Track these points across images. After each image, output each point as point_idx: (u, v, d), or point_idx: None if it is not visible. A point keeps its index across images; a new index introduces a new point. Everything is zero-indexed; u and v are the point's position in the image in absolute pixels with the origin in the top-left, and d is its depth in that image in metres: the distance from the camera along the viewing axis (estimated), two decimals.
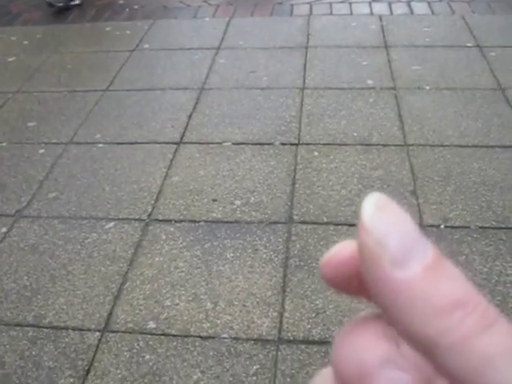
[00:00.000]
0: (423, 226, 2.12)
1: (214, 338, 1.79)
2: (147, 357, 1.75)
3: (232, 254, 2.08)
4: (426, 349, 0.21)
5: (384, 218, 0.22)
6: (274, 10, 4.14)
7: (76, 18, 4.22)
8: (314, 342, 1.76)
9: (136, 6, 4.37)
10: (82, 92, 3.20)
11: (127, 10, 4.33)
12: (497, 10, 3.94)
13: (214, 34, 3.80)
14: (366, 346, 0.24)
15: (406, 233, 0.21)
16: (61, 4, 4.30)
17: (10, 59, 3.64)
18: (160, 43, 3.72)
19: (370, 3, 4.15)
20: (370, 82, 3.11)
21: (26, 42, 3.87)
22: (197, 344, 1.78)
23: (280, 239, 2.13)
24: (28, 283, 2.03)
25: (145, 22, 4.06)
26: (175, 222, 2.24)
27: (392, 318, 0.22)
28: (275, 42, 3.61)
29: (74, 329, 1.85)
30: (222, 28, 3.87)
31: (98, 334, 1.83)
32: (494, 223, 2.15)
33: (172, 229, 2.21)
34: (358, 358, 0.24)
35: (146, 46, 3.70)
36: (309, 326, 1.80)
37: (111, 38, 3.86)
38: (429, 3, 4.10)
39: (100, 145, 2.73)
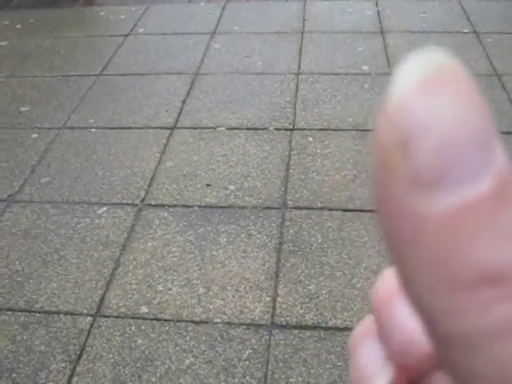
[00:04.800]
0: None
1: (206, 322, 1.79)
2: (139, 341, 1.74)
3: (225, 239, 2.07)
4: (433, 331, 0.14)
5: (429, 101, 0.13)
6: None
7: (70, 3, 4.18)
8: (306, 327, 1.75)
9: None
10: (76, 77, 3.17)
11: None
12: None
13: (208, 18, 3.77)
14: None
15: (456, 133, 0.13)
16: None
17: (3, 44, 3.61)
18: (154, 28, 3.68)
19: None
20: (365, 67, 3.09)
21: (18, 27, 3.83)
22: (189, 329, 1.77)
23: (274, 224, 2.12)
24: (20, 268, 2.01)
25: (139, 6, 4.02)
26: (168, 206, 2.23)
27: (399, 271, 0.15)
28: (270, 27, 3.58)
29: (65, 313, 1.84)
30: (217, 13, 3.84)
31: (90, 318, 1.82)
32: None
33: (165, 214, 2.20)
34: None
35: (141, 30, 3.67)
36: (302, 311, 1.80)
37: (105, 23, 3.82)
38: None
39: (93, 130, 2.71)
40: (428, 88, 0.14)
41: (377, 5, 3.83)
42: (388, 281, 0.21)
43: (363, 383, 0.22)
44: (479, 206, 0.13)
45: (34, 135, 2.70)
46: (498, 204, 0.13)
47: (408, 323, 0.20)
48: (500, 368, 0.14)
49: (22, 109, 2.92)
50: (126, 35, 3.61)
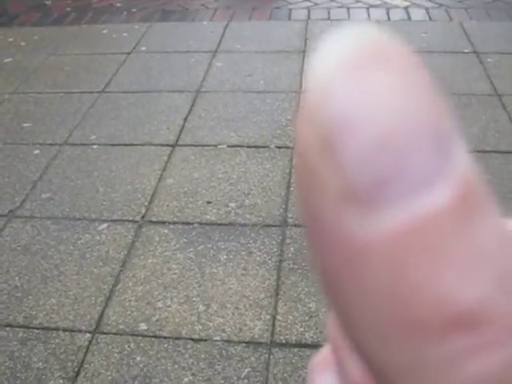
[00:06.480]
0: None
1: (205, 340, 1.78)
2: (138, 359, 1.73)
3: (225, 257, 2.06)
4: None
5: (359, 86, 0.10)
6: (272, 15, 4.14)
7: (73, 20, 4.22)
8: (306, 346, 1.74)
9: (134, 9, 4.36)
10: (78, 93, 3.19)
11: (125, 12, 4.32)
12: (494, 17, 3.94)
13: (211, 37, 3.79)
14: None
15: (398, 127, 0.10)
16: None
17: (7, 60, 3.63)
18: (157, 46, 3.71)
19: (367, 9, 4.15)
20: None
21: (23, 44, 3.86)
22: (188, 346, 1.76)
23: (274, 242, 2.12)
24: (19, 284, 2.01)
25: (142, 24, 4.06)
26: (169, 223, 2.23)
27: (339, 316, 0.11)
28: (273, 46, 3.61)
29: (64, 330, 1.83)
30: (220, 31, 3.87)
31: (88, 335, 1.81)
32: None
33: (166, 231, 2.19)
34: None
35: (143, 48, 3.69)
36: (302, 329, 1.79)
37: (108, 41, 3.85)
38: (426, 9, 4.10)
39: (95, 146, 2.72)
40: (357, 69, 0.10)
41: (378, 25, 3.85)
42: None
43: None
44: (437, 223, 0.10)
45: (36, 151, 2.71)
46: (461, 218, 0.10)
47: None
48: None
49: (25, 125, 2.93)
50: (129, 53, 3.63)
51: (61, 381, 1.68)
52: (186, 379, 1.67)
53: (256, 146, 2.65)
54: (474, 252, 0.10)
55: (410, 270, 0.10)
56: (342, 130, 0.10)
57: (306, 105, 0.11)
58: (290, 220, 2.20)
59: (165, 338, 1.79)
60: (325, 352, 0.19)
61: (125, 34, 3.91)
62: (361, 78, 0.10)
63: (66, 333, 1.82)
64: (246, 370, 1.69)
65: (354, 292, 0.10)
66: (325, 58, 0.11)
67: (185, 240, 2.14)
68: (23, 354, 1.77)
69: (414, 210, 0.10)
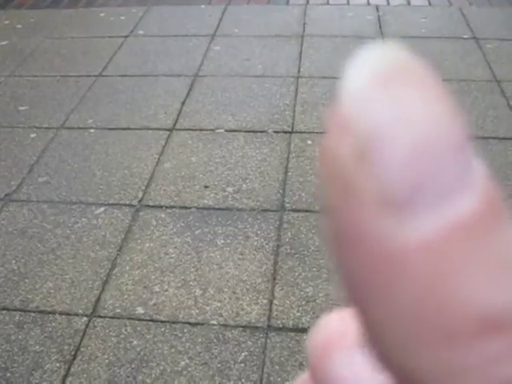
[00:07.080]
0: None
1: (202, 324, 1.78)
2: (135, 342, 1.73)
3: (223, 241, 2.06)
4: None
5: (392, 101, 0.11)
6: None
7: (70, 3, 4.18)
8: (303, 330, 1.75)
9: None
10: (75, 77, 3.17)
11: None
12: (494, 3, 3.92)
13: (209, 21, 3.77)
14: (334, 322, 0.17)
15: (429, 139, 0.10)
16: None
17: (3, 43, 3.60)
18: (154, 29, 3.68)
19: None
20: None
21: (19, 26, 3.83)
22: (185, 330, 1.76)
23: (271, 227, 2.11)
24: (16, 267, 2.00)
25: (139, 8, 4.02)
26: (166, 208, 2.22)
27: (366, 325, 0.11)
28: (271, 31, 3.58)
29: (61, 313, 1.83)
30: (218, 15, 3.84)
31: (85, 318, 1.81)
32: None
33: (163, 215, 2.19)
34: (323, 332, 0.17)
35: (141, 32, 3.67)
36: (298, 314, 1.79)
37: (105, 24, 3.82)
38: None
39: (92, 130, 2.70)
40: (387, 84, 0.11)
41: (377, 10, 3.84)
42: (327, 329, 0.18)
43: None
44: (468, 228, 0.10)
45: (33, 135, 2.70)
46: (489, 224, 0.10)
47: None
48: None
49: (21, 108, 2.91)
50: (126, 36, 3.61)
51: (57, 364, 1.68)
52: (183, 363, 1.68)
53: (254, 131, 2.64)
54: (504, 257, 0.10)
55: (446, 274, 0.10)
56: (378, 140, 0.10)
57: (337, 118, 0.11)
58: (287, 205, 2.20)
59: (162, 321, 1.79)
60: (305, 378, 0.19)
61: (122, 18, 3.88)
62: (391, 92, 0.11)
63: (63, 316, 1.82)
64: (243, 354, 1.69)
65: (389, 299, 0.11)
66: (355, 75, 0.11)
67: (182, 224, 2.14)
68: (20, 337, 1.77)
69: (446, 215, 0.10)
